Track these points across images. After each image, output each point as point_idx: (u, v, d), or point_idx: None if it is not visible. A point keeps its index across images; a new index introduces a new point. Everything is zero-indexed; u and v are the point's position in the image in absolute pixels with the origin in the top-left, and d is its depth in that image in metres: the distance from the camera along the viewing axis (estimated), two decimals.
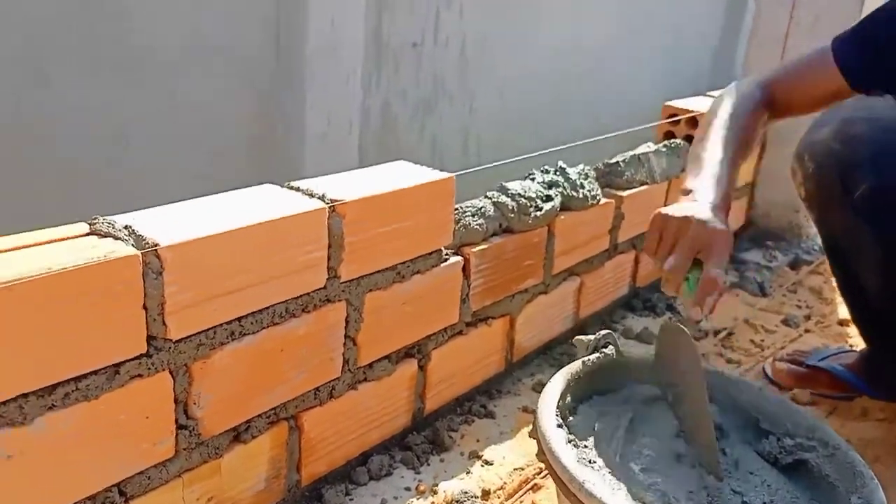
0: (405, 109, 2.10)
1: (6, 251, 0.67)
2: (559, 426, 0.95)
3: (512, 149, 2.26)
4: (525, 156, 1.25)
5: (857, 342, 1.58)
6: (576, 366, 1.05)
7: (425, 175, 1.03)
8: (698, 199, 1.01)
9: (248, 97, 1.60)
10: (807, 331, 1.65)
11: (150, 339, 0.74)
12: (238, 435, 0.88)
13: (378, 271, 0.99)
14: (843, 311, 1.43)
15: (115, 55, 1.27)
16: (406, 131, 2.13)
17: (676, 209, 1.00)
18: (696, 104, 1.74)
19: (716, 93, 1.90)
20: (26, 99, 1.16)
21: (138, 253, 0.71)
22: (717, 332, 1.59)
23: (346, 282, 0.95)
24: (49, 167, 1.22)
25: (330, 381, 0.98)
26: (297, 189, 0.92)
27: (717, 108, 1.18)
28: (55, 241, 0.71)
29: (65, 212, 1.22)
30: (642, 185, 1.52)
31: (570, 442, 0.95)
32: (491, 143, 2.30)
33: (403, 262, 1.02)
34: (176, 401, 0.79)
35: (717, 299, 0.98)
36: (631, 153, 1.51)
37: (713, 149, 1.10)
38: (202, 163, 1.52)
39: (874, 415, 1.34)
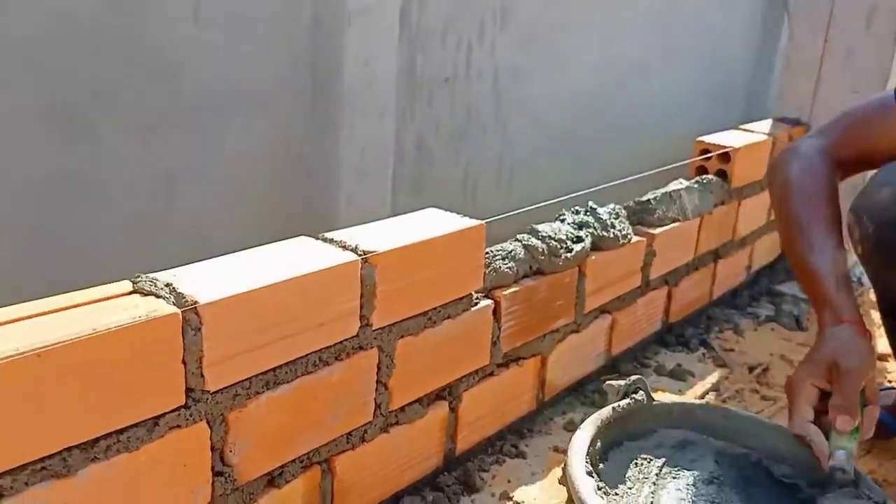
0: (439, 140, 2.12)
1: (57, 311, 0.71)
2: (589, 474, 0.95)
3: (545, 173, 2.28)
4: (556, 199, 1.26)
5: (895, 378, 1.55)
6: (606, 412, 1.06)
7: (455, 223, 1.05)
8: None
9: (286, 138, 1.64)
10: None
11: (189, 391, 0.77)
12: (272, 479, 0.91)
13: (409, 318, 1.01)
14: (882, 345, 1.40)
15: (163, 109, 1.33)
16: (440, 161, 2.16)
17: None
18: (728, 139, 1.74)
19: (750, 126, 1.90)
20: (79, 153, 1.22)
21: (178, 311, 0.74)
22: (752, 368, 1.57)
23: (377, 329, 0.97)
24: (98, 217, 1.27)
25: (362, 426, 1.00)
26: (331, 241, 0.94)
27: (789, 196, 1.14)
28: (101, 300, 0.74)
29: (113, 257, 1.27)
30: (674, 221, 1.52)
31: (600, 489, 0.95)
32: (524, 168, 2.31)
33: (434, 308, 1.04)
34: (213, 449, 0.82)
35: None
36: (662, 191, 1.51)
37: (821, 258, 1.08)
38: (243, 202, 1.56)
39: None
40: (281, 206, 1.70)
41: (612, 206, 1.37)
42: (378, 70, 1.82)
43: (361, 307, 0.94)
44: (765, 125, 1.97)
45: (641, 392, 1.08)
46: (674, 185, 1.55)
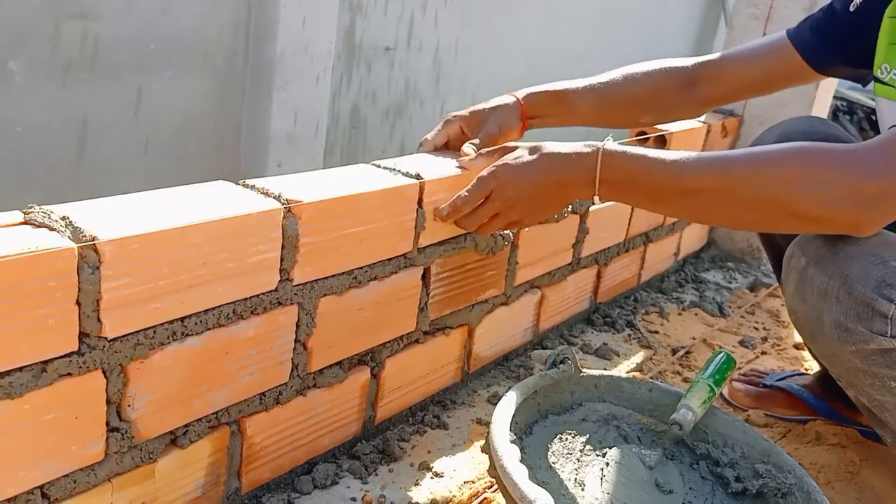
0: (375, 112, 2.07)
1: None
2: (512, 442, 0.92)
3: None
4: None
5: (811, 366, 1.59)
6: (532, 381, 1.03)
7: (389, 179, 1.01)
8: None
9: (215, 96, 1.56)
10: (763, 353, 1.66)
11: (83, 336, 0.71)
12: (175, 439, 0.85)
13: (334, 275, 0.96)
14: (799, 335, 1.43)
15: (80, 52, 1.23)
16: (375, 134, 2.11)
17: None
18: (665, 124, 1.74)
19: None
20: None
21: (74, 246, 0.67)
22: (675, 351, 1.59)
23: (298, 285, 0.92)
24: (8, 164, 1.17)
25: (277, 387, 0.94)
26: (252, 187, 0.89)
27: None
28: None
29: (15, 206, 1.17)
30: None
31: (522, 461, 0.92)
32: None
33: (361, 268, 1.00)
34: (108, 402, 0.75)
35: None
36: None
37: None
38: (165, 161, 1.48)
39: (827, 439, 1.34)
40: (205, 167, 1.61)
41: None
42: (316, 32, 1.75)
43: (282, 260, 0.88)
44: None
45: (569, 362, 1.06)
46: None
